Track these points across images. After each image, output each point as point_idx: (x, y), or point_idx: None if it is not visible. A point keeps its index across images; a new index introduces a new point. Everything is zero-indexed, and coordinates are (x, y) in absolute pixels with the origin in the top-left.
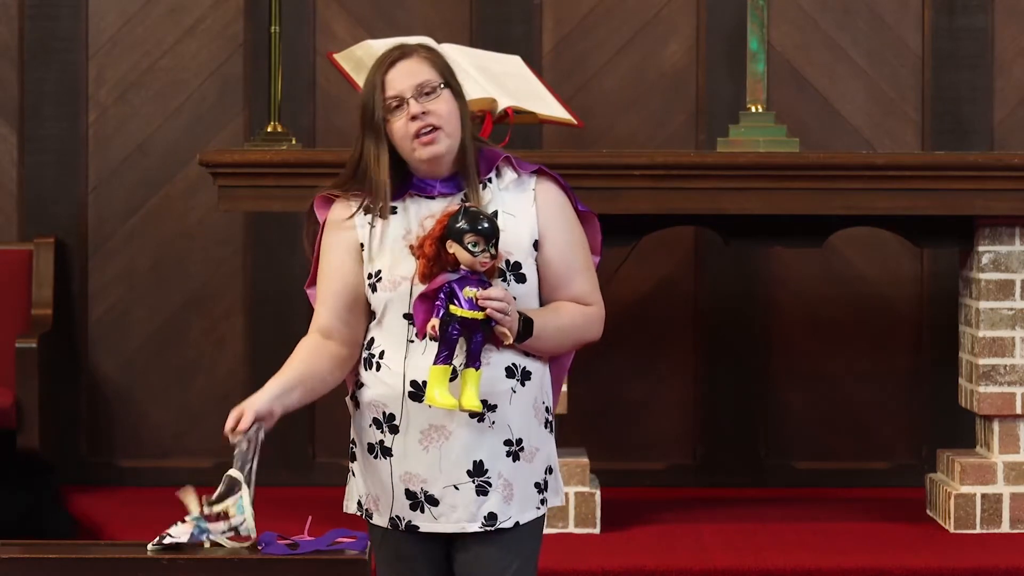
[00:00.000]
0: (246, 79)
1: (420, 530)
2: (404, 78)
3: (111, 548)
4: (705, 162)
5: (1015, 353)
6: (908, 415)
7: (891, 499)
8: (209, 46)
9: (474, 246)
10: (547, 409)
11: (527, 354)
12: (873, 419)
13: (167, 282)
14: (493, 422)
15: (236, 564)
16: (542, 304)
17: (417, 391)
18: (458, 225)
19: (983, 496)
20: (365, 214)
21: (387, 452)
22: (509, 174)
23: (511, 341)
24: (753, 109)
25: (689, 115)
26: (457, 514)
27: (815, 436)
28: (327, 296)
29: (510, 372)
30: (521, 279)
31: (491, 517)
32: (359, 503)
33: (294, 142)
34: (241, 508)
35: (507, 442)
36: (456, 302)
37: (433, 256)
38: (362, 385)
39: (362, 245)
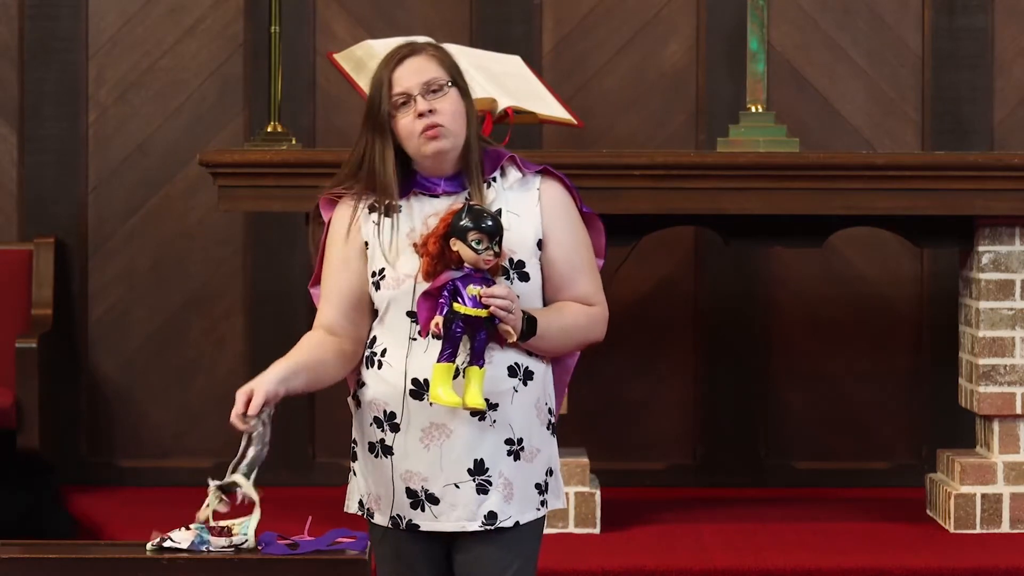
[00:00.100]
0: (246, 79)
1: (420, 529)
2: (412, 75)
3: (111, 548)
4: (705, 162)
5: (1015, 353)
6: (908, 415)
7: (891, 499)
8: (209, 46)
9: (478, 244)
10: (550, 411)
11: (530, 354)
12: (873, 419)
13: (167, 282)
14: (494, 421)
15: (236, 564)
16: (545, 304)
17: (418, 389)
18: (462, 223)
19: (983, 496)
20: (370, 212)
21: (388, 451)
22: (514, 173)
23: (515, 339)
24: (753, 109)
25: (689, 115)
26: (457, 513)
27: (815, 436)
28: (332, 294)
29: (512, 371)
30: (525, 278)
31: (491, 516)
32: (360, 503)
33: (294, 142)
34: (245, 529)
35: (508, 441)
36: (460, 300)
37: (437, 254)
38: (363, 384)
39: (366, 243)
